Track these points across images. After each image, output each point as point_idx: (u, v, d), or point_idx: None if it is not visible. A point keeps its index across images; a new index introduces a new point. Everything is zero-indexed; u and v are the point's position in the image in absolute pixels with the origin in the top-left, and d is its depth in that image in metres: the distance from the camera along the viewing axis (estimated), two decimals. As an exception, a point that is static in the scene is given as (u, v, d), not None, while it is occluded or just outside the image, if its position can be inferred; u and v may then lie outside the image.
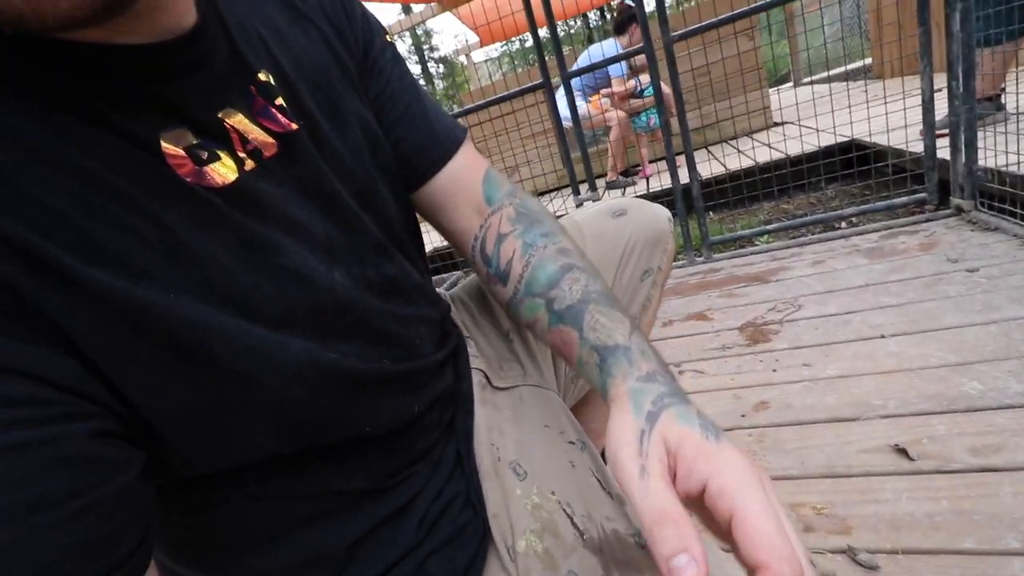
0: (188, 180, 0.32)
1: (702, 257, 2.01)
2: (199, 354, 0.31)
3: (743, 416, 1.06)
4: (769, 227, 1.98)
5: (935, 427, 0.87)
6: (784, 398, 1.07)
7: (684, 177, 1.99)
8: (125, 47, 0.30)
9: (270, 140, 0.38)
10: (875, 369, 1.06)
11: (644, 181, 3.47)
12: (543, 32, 2.07)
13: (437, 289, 0.60)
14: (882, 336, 1.16)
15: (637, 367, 0.39)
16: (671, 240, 0.74)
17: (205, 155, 0.34)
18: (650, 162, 3.70)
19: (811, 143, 2.55)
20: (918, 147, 1.82)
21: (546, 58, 2.01)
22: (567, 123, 2.23)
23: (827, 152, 2.18)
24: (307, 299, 0.37)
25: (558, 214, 3.05)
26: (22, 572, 0.23)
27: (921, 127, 1.71)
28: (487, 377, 0.60)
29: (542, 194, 4.06)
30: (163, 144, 0.32)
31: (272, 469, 0.39)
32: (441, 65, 16.36)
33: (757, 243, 2.08)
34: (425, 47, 15.96)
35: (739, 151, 3.31)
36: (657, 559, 0.27)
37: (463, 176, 0.53)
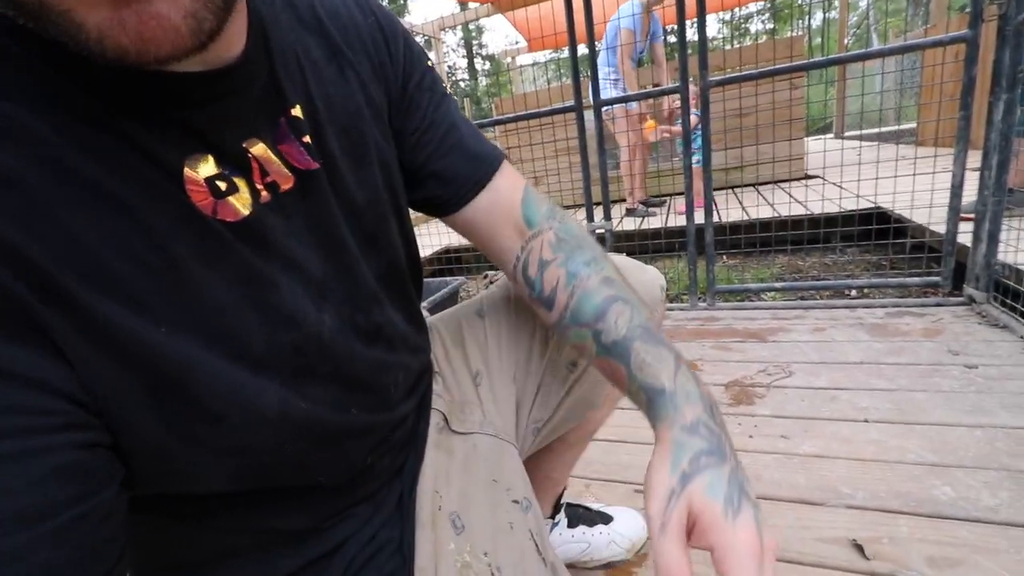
0: (204, 212, 0.33)
1: (705, 303, 2.00)
2: (178, 391, 0.31)
3: (710, 479, 1.05)
4: (777, 285, 1.96)
5: (899, 527, 0.86)
6: (754, 468, 1.05)
7: (700, 218, 1.97)
8: (162, 73, 0.30)
9: (288, 174, 0.38)
10: (851, 454, 1.05)
11: (664, 215, 3.45)
12: (583, 50, 2.07)
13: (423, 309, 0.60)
14: (865, 420, 1.15)
15: (682, 414, 0.41)
16: (661, 307, 0.73)
17: (224, 187, 0.34)
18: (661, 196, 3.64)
19: (837, 202, 2.52)
20: (942, 227, 1.79)
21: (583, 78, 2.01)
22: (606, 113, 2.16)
23: (849, 218, 2.15)
24: (292, 341, 0.37)
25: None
26: None
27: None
28: (446, 419, 0.60)
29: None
30: (186, 171, 0.32)
31: (212, 499, 0.39)
32: (488, 62, 16.43)
33: (763, 297, 2.05)
34: (475, 42, 16.05)
35: (762, 198, 3.27)
36: None
37: (501, 199, 0.54)
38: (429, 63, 0.53)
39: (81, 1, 0.23)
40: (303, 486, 0.42)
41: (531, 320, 0.67)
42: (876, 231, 2.02)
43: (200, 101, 0.32)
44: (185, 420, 0.32)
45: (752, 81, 1.79)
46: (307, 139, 0.40)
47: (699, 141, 3.17)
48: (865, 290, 1.95)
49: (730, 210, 3.00)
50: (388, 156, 0.48)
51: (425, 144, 0.51)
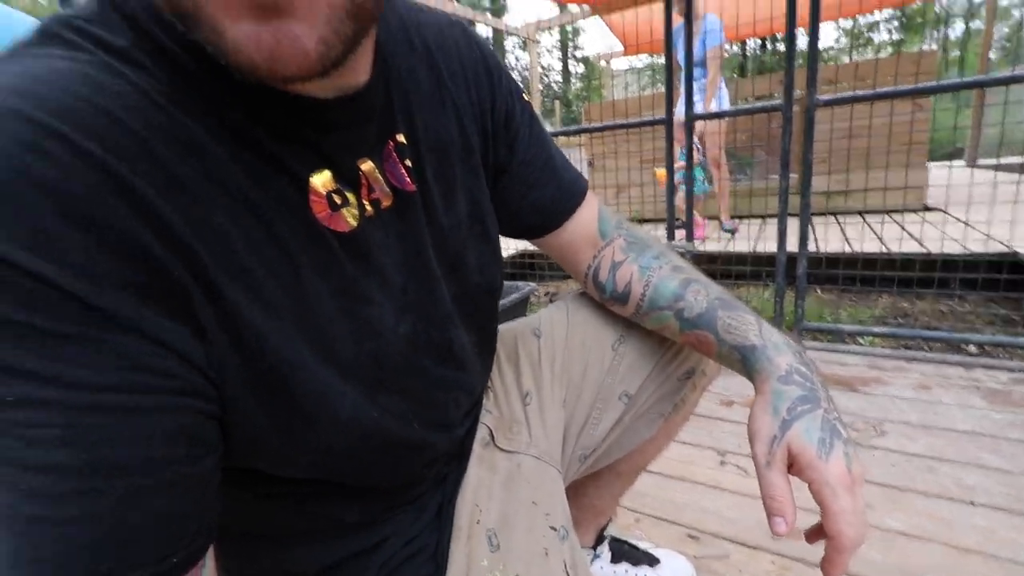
0: (322, 222, 0.36)
1: (789, 339, 1.85)
2: (282, 386, 0.34)
3: (773, 539, 0.96)
4: (876, 329, 1.76)
5: (1001, 638, 0.73)
6: (827, 535, 0.95)
7: (793, 245, 1.82)
8: (302, 98, 0.33)
9: (389, 193, 0.41)
10: (948, 540, 0.92)
11: (753, 239, 3.23)
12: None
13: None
14: (971, 503, 1.00)
15: (776, 365, 0.49)
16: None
17: (339, 200, 0.37)
18: (735, 217, 3.41)
19: (961, 242, 2.22)
20: (1095, 285, 1.52)
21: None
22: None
23: (974, 262, 1.89)
24: (372, 351, 0.40)
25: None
26: (137, 520, 0.27)
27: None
28: (492, 435, 0.60)
29: (641, 222, 3.94)
30: (311, 183, 0.35)
31: (286, 482, 0.41)
32: (582, 65, 16.32)
33: (860, 341, 1.86)
34: (570, 44, 16.01)
35: (869, 229, 2.97)
36: (768, 517, 0.43)
37: (583, 221, 0.61)
38: (525, 96, 0.57)
39: (228, 13, 0.26)
40: (363, 485, 0.45)
41: (586, 345, 0.66)
42: (1007, 280, 1.76)
43: (329, 124, 0.36)
44: (283, 414, 0.35)
45: (867, 101, 1.62)
46: (408, 163, 0.42)
47: (698, 172, 2.93)
48: (987, 347, 1.70)
49: (829, 241, 2.76)
50: (474, 187, 0.50)
51: (525, 176, 0.56)
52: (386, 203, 0.41)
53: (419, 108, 0.44)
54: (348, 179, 0.38)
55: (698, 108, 2.95)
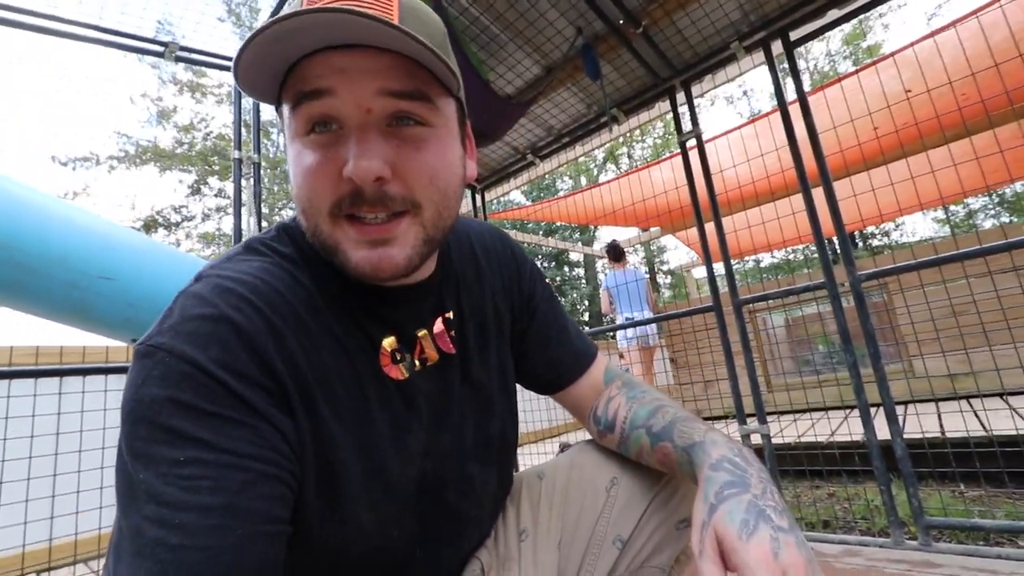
0: (385, 371, 0.52)
1: (917, 541, 1.52)
2: (336, 484, 0.46)
3: None
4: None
5: None
6: None
7: (883, 430, 1.64)
8: (381, 288, 0.52)
9: (435, 354, 0.58)
10: None
11: (833, 426, 2.86)
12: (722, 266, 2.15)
13: None
14: None
15: (709, 455, 0.52)
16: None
17: (398, 356, 0.53)
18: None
19: None
20: None
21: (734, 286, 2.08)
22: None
23: None
24: (414, 476, 0.52)
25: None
26: (247, 561, 0.35)
27: None
28: (483, 570, 0.64)
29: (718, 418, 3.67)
30: (382, 344, 0.52)
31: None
32: (669, 276, 17.46)
33: (1021, 543, 1.47)
34: (657, 260, 17.43)
35: (1015, 413, 2.52)
36: None
37: (592, 379, 0.73)
38: (546, 281, 0.75)
39: (352, 246, 0.45)
40: None
41: (583, 488, 0.70)
42: None
43: (398, 303, 0.54)
44: (328, 503, 0.46)
45: (938, 276, 1.63)
46: (452, 333, 0.60)
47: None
48: None
49: (954, 427, 2.36)
50: (502, 350, 0.67)
51: (543, 338, 0.70)
52: (431, 361, 0.57)
53: (465, 294, 0.63)
54: (407, 342, 0.55)
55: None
